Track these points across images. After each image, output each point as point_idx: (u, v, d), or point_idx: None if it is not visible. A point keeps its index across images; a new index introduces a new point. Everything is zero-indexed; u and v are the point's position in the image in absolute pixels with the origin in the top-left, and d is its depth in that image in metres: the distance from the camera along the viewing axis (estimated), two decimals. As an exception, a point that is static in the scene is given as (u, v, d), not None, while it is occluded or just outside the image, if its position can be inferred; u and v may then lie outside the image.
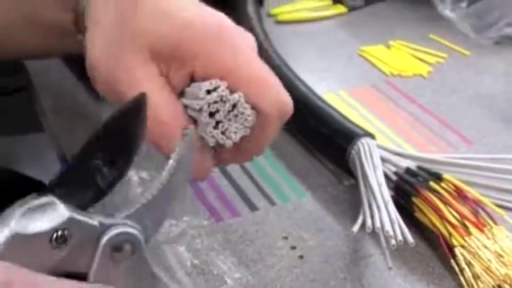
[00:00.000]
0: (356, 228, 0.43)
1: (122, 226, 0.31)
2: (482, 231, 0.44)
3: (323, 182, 0.52)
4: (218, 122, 0.38)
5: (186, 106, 0.40)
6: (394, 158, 0.49)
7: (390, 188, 0.47)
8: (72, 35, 0.45)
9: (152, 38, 0.40)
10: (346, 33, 0.76)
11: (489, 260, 0.42)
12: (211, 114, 0.38)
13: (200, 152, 0.39)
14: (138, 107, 0.33)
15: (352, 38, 0.75)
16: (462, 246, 0.43)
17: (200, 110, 0.38)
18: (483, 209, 0.46)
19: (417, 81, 0.68)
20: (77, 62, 0.57)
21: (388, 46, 0.73)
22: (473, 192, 0.46)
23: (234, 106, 0.38)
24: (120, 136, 0.33)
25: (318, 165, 0.54)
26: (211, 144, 0.39)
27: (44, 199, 0.30)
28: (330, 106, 0.56)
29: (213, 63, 0.39)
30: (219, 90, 0.38)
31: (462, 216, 0.44)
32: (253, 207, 0.49)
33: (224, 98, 0.38)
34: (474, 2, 0.75)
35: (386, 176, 0.48)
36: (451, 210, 0.45)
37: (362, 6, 0.81)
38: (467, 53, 0.73)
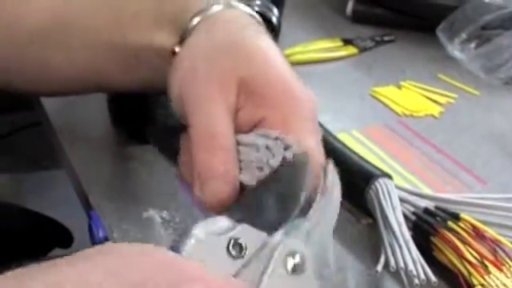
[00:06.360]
0: (380, 267, 0.44)
1: (292, 242, 0.32)
2: (500, 270, 0.45)
3: (342, 221, 0.53)
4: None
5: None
6: (412, 198, 0.51)
7: (408, 228, 0.48)
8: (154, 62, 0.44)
9: (244, 72, 0.39)
10: (357, 73, 0.78)
11: (509, 298, 0.43)
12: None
13: None
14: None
15: (363, 79, 0.76)
16: (482, 285, 0.44)
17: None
18: (501, 248, 0.47)
19: (429, 121, 0.69)
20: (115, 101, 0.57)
21: (399, 87, 0.75)
22: (490, 231, 0.47)
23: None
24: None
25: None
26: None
27: (217, 217, 0.32)
28: (345, 146, 0.57)
29: (290, 115, 0.39)
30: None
31: (481, 255, 0.45)
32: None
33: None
34: (482, 44, 0.77)
35: (405, 216, 0.49)
36: (470, 249, 0.46)
37: (372, 47, 0.83)
38: (477, 93, 0.75)
